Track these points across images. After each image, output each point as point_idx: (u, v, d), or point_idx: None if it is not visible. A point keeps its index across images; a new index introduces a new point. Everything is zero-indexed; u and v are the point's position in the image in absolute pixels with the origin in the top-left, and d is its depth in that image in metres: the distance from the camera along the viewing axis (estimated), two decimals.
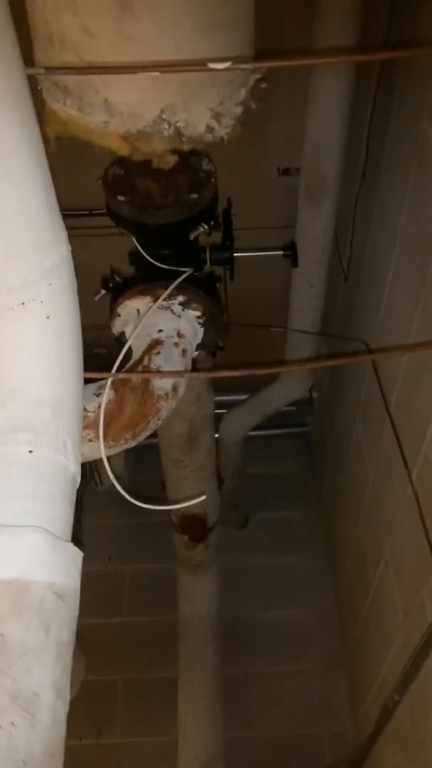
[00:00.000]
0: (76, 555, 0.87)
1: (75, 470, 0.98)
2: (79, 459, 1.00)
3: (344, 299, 2.91)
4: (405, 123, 1.99)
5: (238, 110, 1.38)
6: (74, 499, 0.96)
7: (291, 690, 3.27)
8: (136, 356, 1.51)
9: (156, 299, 1.57)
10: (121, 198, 1.57)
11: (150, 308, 1.54)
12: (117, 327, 1.67)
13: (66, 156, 1.31)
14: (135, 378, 1.44)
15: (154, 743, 3.13)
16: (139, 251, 1.68)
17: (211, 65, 0.88)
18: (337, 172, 2.15)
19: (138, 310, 1.61)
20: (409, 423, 2.16)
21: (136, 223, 1.60)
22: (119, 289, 1.65)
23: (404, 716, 2.39)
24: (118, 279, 1.68)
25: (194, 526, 2.76)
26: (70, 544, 0.87)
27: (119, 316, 1.64)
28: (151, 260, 1.65)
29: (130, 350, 1.59)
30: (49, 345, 0.97)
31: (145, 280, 1.64)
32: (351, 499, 3.07)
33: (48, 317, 0.96)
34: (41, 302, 0.94)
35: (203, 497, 1.36)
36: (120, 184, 1.60)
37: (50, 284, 0.94)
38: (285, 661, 3.35)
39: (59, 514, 0.90)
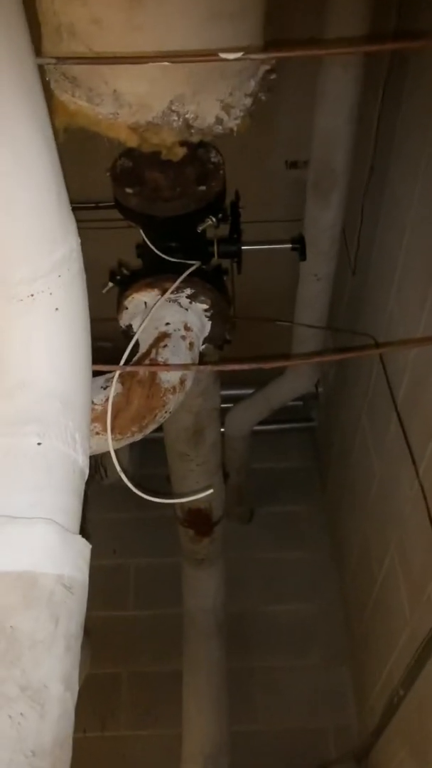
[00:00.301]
0: (84, 548, 0.87)
1: (83, 463, 0.97)
2: (88, 452, 1.00)
3: (351, 293, 2.89)
4: (415, 115, 1.98)
5: (248, 102, 1.37)
6: (83, 492, 0.96)
7: (296, 684, 3.27)
8: (143, 349, 1.50)
9: (163, 292, 1.57)
10: (129, 190, 1.57)
11: (157, 301, 1.53)
12: (124, 320, 1.66)
13: (72, 149, 1.30)
14: (142, 371, 1.44)
15: (159, 736, 3.14)
16: (147, 244, 1.67)
17: (223, 55, 0.87)
18: (346, 164, 2.14)
19: (145, 303, 1.60)
20: (417, 418, 2.15)
21: (144, 216, 1.60)
22: (127, 281, 1.64)
23: (410, 711, 2.39)
24: (125, 272, 1.67)
25: (199, 520, 2.76)
26: (79, 537, 0.87)
27: (126, 309, 1.64)
28: (159, 253, 1.65)
29: (137, 343, 1.59)
30: (58, 337, 0.97)
31: (152, 272, 1.63)
32: (357, 494, 3.06)
33: (57, 309, 0.95)
34: (50, 294, 0.93)
35: (210, 491, 1.35)
36: (128, 176, 1.59)
37: (60, 276, 0.93)
38: (290, 655, 3.36)
39: (68, 506, 0.90)
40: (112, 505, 3.24)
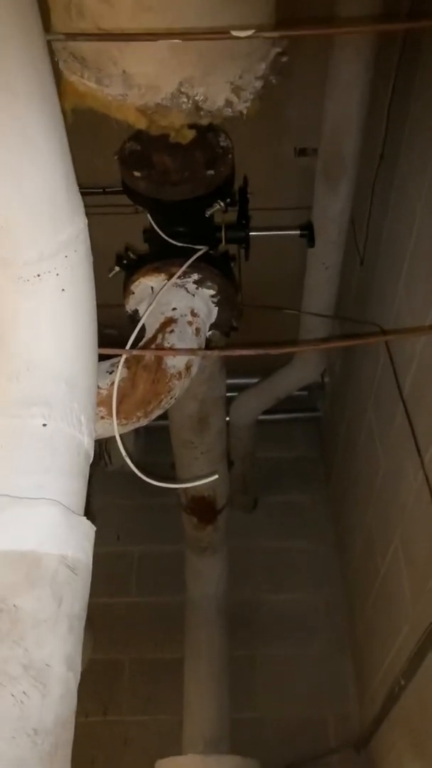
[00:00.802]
0: (89, 529, 0.87)
1: (89, 445, 0.97)
2: (93, 434, 0.99)
3: (359, 282, 2.88)
4: (427, 102, 1.95)
5: (258, 84, 1.35)
6: (87, 474, 0.96)
7: (297, 673, 3.28)
8: (149, 334, 1.50)
9: (170, 277, 1.56)
10: (137, 174, 1.56)
11: (164, 286, 1.52)
12: (130, 305, 1.66)
13: (79, 133, 1.29)
14: (148, 356, 1.43)
15: (160, 721, 3.16)
16: (154, 228, 1.66)
17: (234, 33, 0.86)
18: (356, 152, 2.12)
19: (152, 287, 1.59)
20: (423, 409, 2.14)
21: (152, 200, 1.58)
22: (133, 266, 1.64)
23: (410, 701, 2.39)
24: (132, 256, 1.66)
25: (203, 507, 2.76)
26: (84, 518, 0.87)
27: (133, 293, 1.63)
28: (166, 237, 1.64)
29: (143, 328, 1.58)
30: (65, 318, 0.96)
31: (159, 257, 1.63)
32: (361, 484, 3.06)
33: (63, 290, 0.94)
34: (57, 275, 0.93)
35: (215, 476, 1.35)
36: (136, 160, 1.58)
37: (66, 257, 0.93)
38: (292, 644, 3.37)
39: (73, 488, 0.89)
40: (116, 492, 3.25)
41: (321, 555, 3.62)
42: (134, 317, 1.68)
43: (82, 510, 0.91)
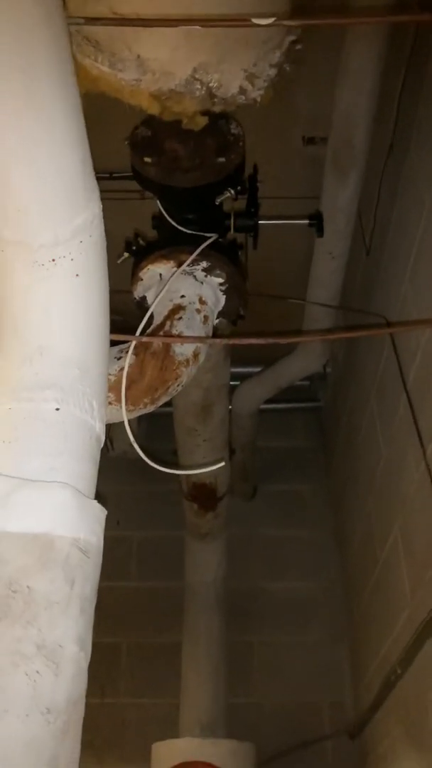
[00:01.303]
0: (100, 513, 0.87)
1: (100, 430, 0.98)
2: (104, 419, 1.00)
3: (364, 273, 2.87)
4: None
5: (272, 72, 1.34)
6: (98, 459, 0.97)
7: (294, 660, 3.31)
8: (157, 321, 1.50)
9: (179, 264, 1.56)
10: (147, 159, 1.55)
11: (173, 273, 1.52)
12: (139, 291, 1.66)
13: (85, 117, 1.29)
14: (156, 342, 1.44)
15: (157, 705, 3.20)
16: (163, 215, 1.66)
17: (255, 20, 0.85)
18: (366, 141, 2.11)
19: (161, 274, 1.59)
20: (427, 400, 2.15)
21: (162, 186, 1.58)
22: (142, 252, 1.64)
23: (406, 690, 2.41)
24: (141, 242, 1.66)
25: (204, 494, 2.78)
26: (95, 502, 0.88)
27: (141, 280, 1.63)
28: (175, 224, 1.63)
29: (150, 315, 1.59)
30: (78, 303, 0.96)
31: (168, 244, 1.63)
32: (362, 475, 3.07)
33: (77, 275, 0.95)
34: (71, 260, 0.93)
35: (222, 464, 1.36)
36: (147, 146, 1.58)
37: (81, 242, 0.93)
38: (289, 631, 3.39)
39: (84, 472, 0.90)
40: (117, 478, 3.26)
41: (320, 544, 3.64)
42: (142, 304, 1.68)
43: (92, 493, 0.92)
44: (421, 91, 2.10)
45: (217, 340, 1.49)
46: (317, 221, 1.86)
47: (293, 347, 3.10)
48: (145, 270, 1.60)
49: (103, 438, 0.99)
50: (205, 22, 0.95)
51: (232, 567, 3.24)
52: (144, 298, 1.66)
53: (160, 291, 1.54)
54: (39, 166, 0.81)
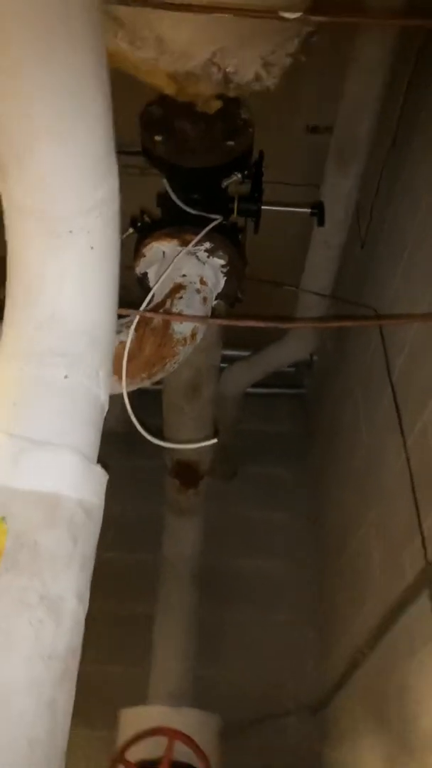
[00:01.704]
0: (102, 477, 0.92)
1: (104, 399, 1.02)
2: (108, 389, 1.04)
3: (357, 264, 2.92)
4: None
5: (288, 61, 1.37)
6: (101, 426, 1.01)
7: (263, 636, 3.39)
8: (158, 298, 1.53)
9: (183, 243, 1.59)
10: (158, 138, 1.58)
11: (178, 252, 1.55)
12: (141, 267, 1.69)
13: None
14: (156, 319, 1.47)
15: (127, 672, 3.26)
16: (169, 194, 1.68)
17: (283, 14, 0.88)
18: (371, 135, 2.14)
19: (164, 252, 1.62)
20: (411, 393, 2.21)
21: (170, 165, 1.61)
22: (147, 229, 1.66)
23: (371, 670, 2.50)
24: (147, 219, 1.68)
25: (187, 472, 2.83)
26: (99, 467, 0.92)
27: (144, 256, 1.66)
28: (180, 204, 1.66)
29: (149, 290, 1.62)
30: (90, 275, 1.00)
31: (172, 223, 1.65)
32: (342, 462, 3.14)
33: (92, 248, 0.98)
34: (88, 232, 0.96)
35: (215, 440, 1.40)
36: (158, 124, 1.60)
37: (98, 215, 0.96)
38: (260, 609, 3.47)
39: (89, 438, 0.94)
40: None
41: (295, 526, 3.71)
42: (143, 279, 1.71)
43: (95, 459, 0.96)
44: (428, 89, 2.13)
45: (217, 321, 1.53)
46: (319, 211, 1.90)
47: (283, 333, 3.15)
48: (148, 247, 1.63)
49: (106, 407, 1.03)
50: (236, 11, 0.98)
51: (208, 544, 3.30)
52: (145, 274, 1.69)
53: (163, 269, 1.57)
54: (69, 139, 0.83)
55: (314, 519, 3.60)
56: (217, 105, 1.42)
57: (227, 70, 1.30)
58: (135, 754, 2.41)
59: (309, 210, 1.93)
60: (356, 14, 1.00)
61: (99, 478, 0.90)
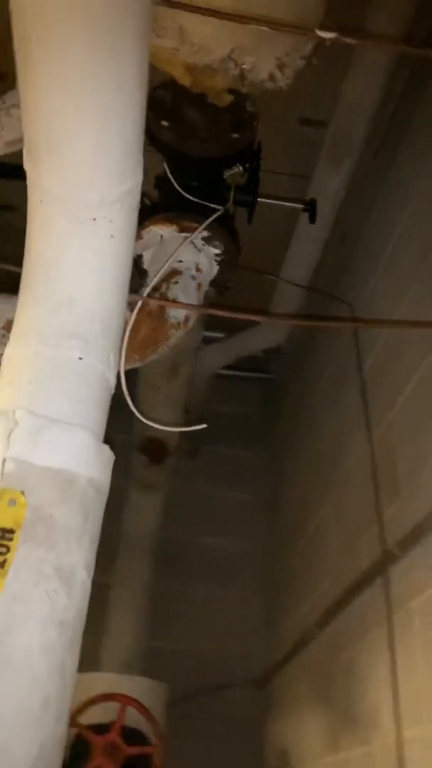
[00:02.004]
0: (110, 456, 0.96)
1: (112, 381, 1.06)
2: (116, 372, 1.08)
3: (336, 258, 2.98)
4: None
5: (301, 63, 1.41)
6: (108, 408, 1.05)
7: (216, 611, 3.49)
8: (154, 282, 1.57)
9: (181, 229, 1.62)
10: (165, 123, 1.60)
11: (176, 238, 1.59)
12: (137, 249, 1.70)
13: None
14: (152, 304, 1.51)
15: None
16: (170, 179, 1.71)
17: (319, 32, 0.92)
18: (365, 134, 2.20)
19: (161, 236, 1.65)
20: (381, 388, 2.30)
21: (174, 151, 1.63)
22: (146, 212, 1.68)
23: (319, 648, 2.62)
24: (147, 202, 1.71)
25: (156, 448, 2.88)
26: (107, 447, 0.96)
27: (142, 238, 1.68)
28: (180, 190, 1.69)
29: (146, 273, 1.65)
30: (108, 262, 1.03)
31: (169, 207, 1.68)
32: (305, 448, 3.24)
33: (112, 236, 1.01)
34: (110, 221, 0.99)
35: (204, 425, 1.46)
36: (165, 109, 1.62)
37: (121, 207, 0.99)
38: (215, 584, 3.57)
39: (99, 418, 0.99)
40: None
41: (254, 506, 3.81)
42: (137, 261, 1.73)
43: (102, 439, 1.00)
44: (422, 93, 2.19)
45: (211, 311, 1.57)
46: (312, 208, 1.95)
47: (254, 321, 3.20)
48: (147, 229, 1.66)
49: (113, 389, 1.07)
50: (273, 24, 1.01)
51: (168, 519, 3.37)
52: (141, 256, 1.72)
53: (160, 253, 1.60)
54: (108, 132, 0.86)
55: (274, 501, 3.70)
56: (229, 99, 1.45)
57: (244, 66, 1.34)
58: (87, 718, 2.48)
59: (302, 206, 1.98)
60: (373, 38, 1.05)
61: (108, 457, 0.95)
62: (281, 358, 3.93)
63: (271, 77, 1.37)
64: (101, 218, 0.98)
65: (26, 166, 0.95)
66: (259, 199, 1.85)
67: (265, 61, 1.34)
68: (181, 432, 3.47)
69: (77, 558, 0.84)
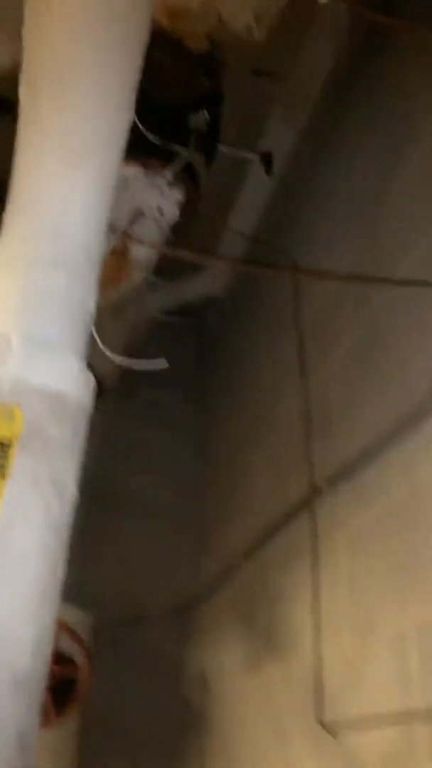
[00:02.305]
0: (93, 380, 1.03)
1: (93, 310, 1.12)
2: (95, 301, 1.14)
3: (282, 213, 3.06)
4: (394, 70, 2.14)
5: (276, 18, 1.46)
6: (89, 335, 1.11)
7: (142, 546, 3.62)
8: (118, 222, 1.61)
9: (147, 172, 1.66)
10: None
11: (147, 183, 1.62)
12: None
13: None
14: (117, 243, 1.55)
15: None
16: (135, 121, 1.73)
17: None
18: (320, 90, 2.26)
19: (126, 177, 1.68)
20: (318, 339, 2.44)
21: (143, 92, 1.65)
22: None
23: (243, 580, 2.81)
24: None
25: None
26: (90, 373, 1.03)
27: None
28: (146, 133, 1.71)
29: None
30: (94, 199, 1.08)
31: (133, 148, 1.69)
32: (239, 394, 3.36)
33: (100, 171, 1.06)
34: (100, 162, 1.04)
35: (166, 365, 1.53)
36: None
37: (111, 149, 1.04)
38: (143, 521, 3.69)
39: (84, 344, 1.05)
40: None
41: (185, 448, 3.92)
42: None
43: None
44: (371, 59, 2.27)
45: (178, 253, 1.63)
46: (267, 160, 2.01)
47: (200, 265, 3.26)
48: None
49: (93, 317, 1.13)
50: None
51: (100, 458, 3.43)
52: None
53: (124, 193, 1.63)
54: (110, 69, 0.91)
55: (205, 444, 3.83)
56: (206, 46, 1.48)
57: (223, 15, 1.37)
58: None
59: (258, 156, 2.04)
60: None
61: (91, 380, 1.02)
62: (219, 307, 4.02)
63: (248, 29, 1.42)
64: (93, 157, 1.02)
65: (23, 96, 0.98)
66: (219, 147, 1.90)
67: (243, 11, 1.39)
68: (119, 372, 3.52)
69: (69, 471, 0.92)
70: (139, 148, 1.71)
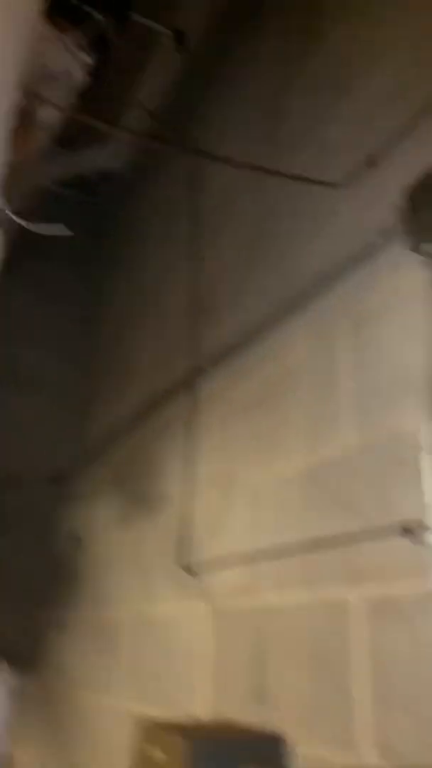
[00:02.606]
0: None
1: (3, 171, 1.17)
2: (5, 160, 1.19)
3: (186, 92, 3.03)
4: None
5: None
6: None
7: (26, 417, 3.71)
8: (27, 83, 1.60)
9: (59, 30, 1.64)
10: None
11: (58, 44, 1.61)
12: None
13: None
14: (24, 105, 1.55)
15: None
16: None
17: None
18: None
19: (39, 36, 1.65)
20: (210, 227, 2.54)
21: None
22: None
23: (122, 448, 3.01)
24: None
25: None
26: None
27: None
28: None
29: None
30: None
31: (50, 9, 1.66)
32: (129, 270, 3.43)
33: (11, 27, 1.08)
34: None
35: (68, 232, 1.58)
36: None
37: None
38: (27, 393, 3.75)
39: None
40: None
41: (72, 323, 3.97)
42: None
43: None
44: None
45: (84, 118, 1.65)
46: (180, 36, 2.01)
47: (101, 139, 3.20)
48: None
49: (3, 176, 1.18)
50: None
51: None
52: None
53: (36, 55, 1.61)
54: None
55: (93, 321, 3.90)
56: None
57: None
58: None
59: (171, 32, 2.03)
60: None
61: None
62: (115, 184, 3.97)
63: None
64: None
65: None
66: (133, 15, 1.88)
67: None
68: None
69: None
70: (53, 8, 1.68)
